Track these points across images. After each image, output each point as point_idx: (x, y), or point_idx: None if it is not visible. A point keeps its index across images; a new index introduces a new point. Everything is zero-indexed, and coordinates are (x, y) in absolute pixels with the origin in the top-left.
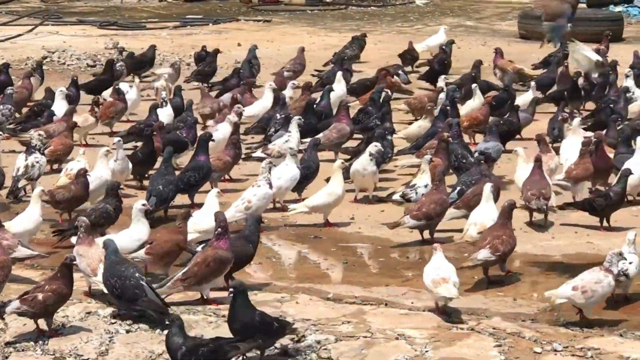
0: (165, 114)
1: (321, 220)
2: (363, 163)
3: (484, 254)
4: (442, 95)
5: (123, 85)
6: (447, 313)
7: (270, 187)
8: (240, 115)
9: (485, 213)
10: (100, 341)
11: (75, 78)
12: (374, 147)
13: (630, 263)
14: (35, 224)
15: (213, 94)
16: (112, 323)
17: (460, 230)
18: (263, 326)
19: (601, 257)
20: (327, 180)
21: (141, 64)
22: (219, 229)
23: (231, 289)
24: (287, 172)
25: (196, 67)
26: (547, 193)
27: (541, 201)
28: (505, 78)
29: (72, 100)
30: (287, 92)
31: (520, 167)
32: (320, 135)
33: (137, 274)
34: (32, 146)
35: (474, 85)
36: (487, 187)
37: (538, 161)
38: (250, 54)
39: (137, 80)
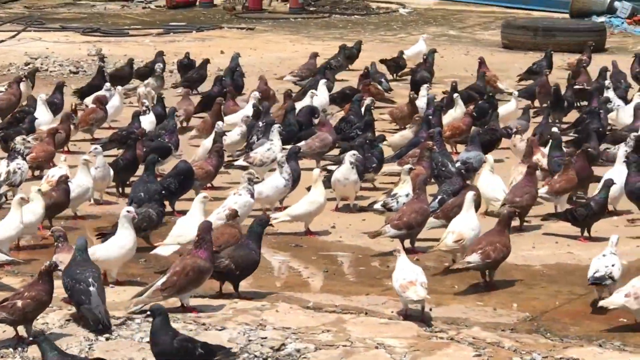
0: (148, 121)
1: (302, 228)
2: (344, 172)
3: (474, 258)
4: (422, 104)
5: (105, 90)
6: (427, 321)
7: (252, 196)
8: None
9: (465, 222)
10: (80, 348)
11: (60, 84)
12: (351, 155)
13: (613, 265)
14: (16, 231)
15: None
16: (92, 330)
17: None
18: (182, 352)
19: (582, 267)
20: (309, 189)
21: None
22: (199, 238)
23: (149, 312)
24: (272, 181)
25: (184, 74)
26: (521, 202)
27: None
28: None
29: (58, 106)
30: None
31: (484, 175)
32: (302, 143)
33: (90, 279)
34: (15, 151)
35: (455, 95)
36: (469, 196)
37: (531, 168)
38: (233, 62)
39: (119, 87)
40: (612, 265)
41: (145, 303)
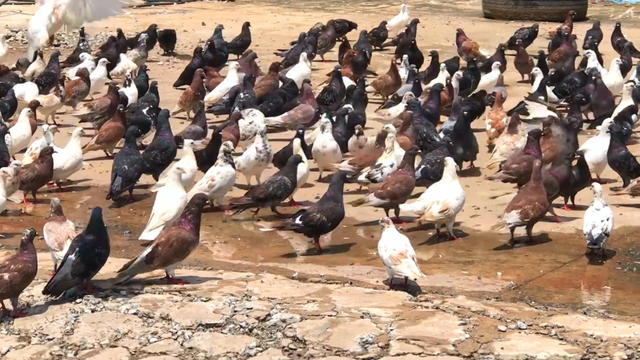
0: (129, 93)
1: (286, 199)
2: (322, 141)
3: (514, 218)
4: (403, 74)
5: (87, 62)
6: (412, 291)
7: (233, 166)
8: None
9: (449, 191)
10: (66, 320)
11: (55, 53)
12: (324, 119)
13: (607, 220)
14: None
15: None
16: (78, 302)
17: None
18: None
19: (565, 236)
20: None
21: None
22: (187, 209)
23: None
24: (246, 152)
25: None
26: (518, 168)
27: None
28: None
29: (54, 77)
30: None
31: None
32: (285, 114)
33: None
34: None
35: (442, 65)
36: (450, 162)
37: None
38: (215, 34)
39: (104, 59)
40: (607, 220)
41: (133, 275)
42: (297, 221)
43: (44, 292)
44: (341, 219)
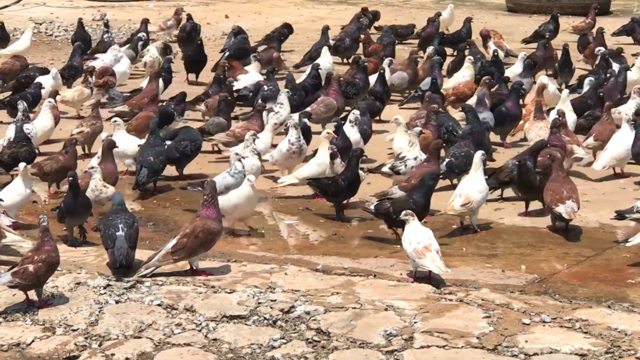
0: None
1: (310, 192)
2: (346, 132)
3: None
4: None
5: (112, 51)
6: (436, 283)
7: (260, 157)
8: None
9: (472, 184)
10: (90, 311)
11: (77, 46)
12: (352, 114)
13: None
14: (22, 197)
15: None
16: (102, 294)
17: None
18: None
19: (589, 229)
20: (315, 151)
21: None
22: (208, 198)
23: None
24: (280, 144)
25: (187, 40)
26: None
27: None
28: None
29: (77, 69)
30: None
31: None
32: (308, 108)
33: (120, 225)
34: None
35: (468, 58)
36: (478, 156)
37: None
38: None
39: (130, 50)
40: None
41: (156, 267)
42: (372, 207)
43: (116, 268)
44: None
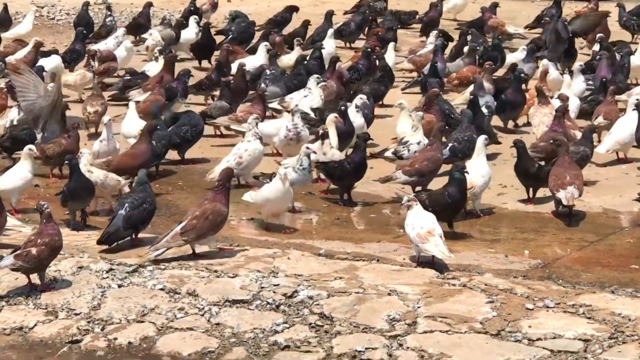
0: (156, 70)
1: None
2: (351, 116)
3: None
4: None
5: (111, 40)
6: (439, 268)
7: (261, 141)
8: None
9: (475, 169)
10: (93, 295)
11: (79, 31)
12: (359, 99)
13: None
14: (24, 181)
15: None
16: (105, 278)
17: None
18: None
19: (592, 214)
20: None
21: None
22: (220, 184)
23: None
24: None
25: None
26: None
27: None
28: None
29: (79, 54)
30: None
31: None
32: None
33: (126, 204)
34: None
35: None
36: (480, 140)
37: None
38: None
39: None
40: None
41: (165, 248)
42: (405, 199)
43: (97, 243)
44: (443, 208)
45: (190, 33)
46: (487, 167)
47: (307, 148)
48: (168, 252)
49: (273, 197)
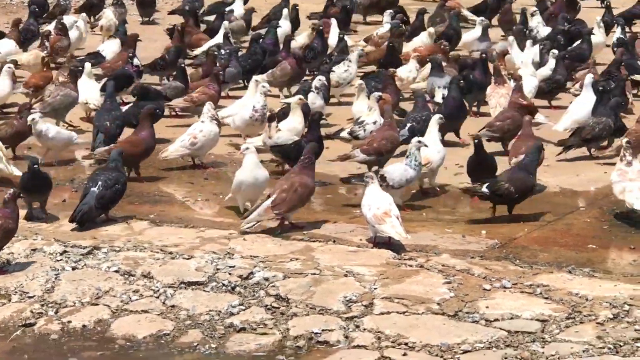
0: (110, 50)
1: (272, 156)
2: (310, 98)
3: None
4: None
5: (68, 19)
6: (395, 249)
7: (219, 124)
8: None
9: (431, 145)
10: (46, 278)
11: (33, 9)
12: (318, 80)
13: None
14: None
15: None
16: (58, 260)
17: None
18: None
19: (548, 194)
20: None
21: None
22: (306, 158)
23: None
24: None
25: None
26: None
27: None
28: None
29: (34, 33)
30: None
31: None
32: (269, 72)
33: (99, 182)
34: None
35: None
36: (435, 118)
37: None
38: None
39: (83, 14)
40: None
41: (257, 221)
42: (484, 189)
43: (70, 221)
44: (530, 191)
45: None
46: (441, 144)
47: (419, 142)
48: (121, 232)
49: (243, 178)
